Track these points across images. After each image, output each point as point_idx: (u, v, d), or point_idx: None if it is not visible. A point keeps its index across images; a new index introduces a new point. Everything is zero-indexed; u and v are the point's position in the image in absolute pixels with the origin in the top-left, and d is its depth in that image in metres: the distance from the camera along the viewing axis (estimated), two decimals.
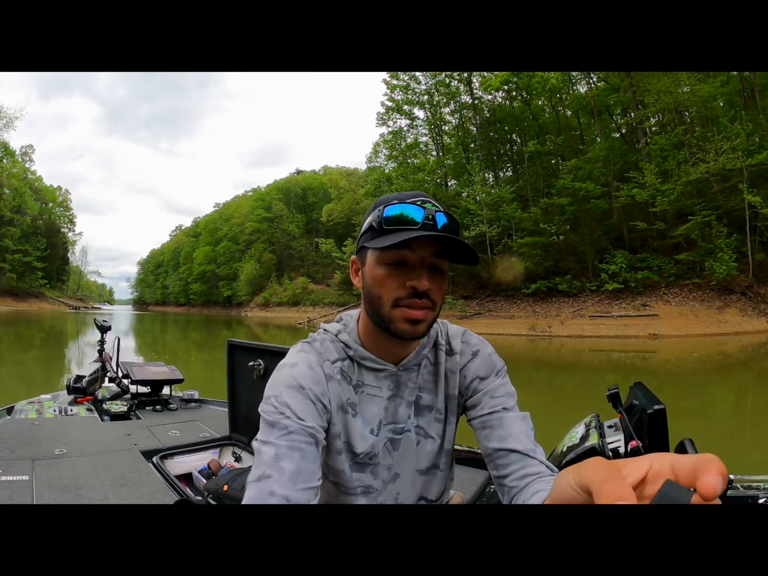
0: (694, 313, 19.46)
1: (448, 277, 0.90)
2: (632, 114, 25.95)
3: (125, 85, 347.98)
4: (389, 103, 34.54)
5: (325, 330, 0.98)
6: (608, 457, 1.48)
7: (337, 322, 1.00)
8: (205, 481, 2.42)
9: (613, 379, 9.48)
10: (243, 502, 0.73)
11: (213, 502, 2.16)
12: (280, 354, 2.46)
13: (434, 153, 35.56)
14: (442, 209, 0.86)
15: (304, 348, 0.93)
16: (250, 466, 2.58)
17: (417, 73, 31.96)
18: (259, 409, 0.83)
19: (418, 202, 0.84)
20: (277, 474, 0.73)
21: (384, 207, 0.84)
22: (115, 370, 4.09)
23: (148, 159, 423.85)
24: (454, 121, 34.51)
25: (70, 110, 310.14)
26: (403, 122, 35.34)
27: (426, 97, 33.70)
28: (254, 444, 0.80)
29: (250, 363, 2.64)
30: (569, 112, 30.89)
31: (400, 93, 34.02)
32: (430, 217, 0.82)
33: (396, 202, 0.85)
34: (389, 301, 0.84)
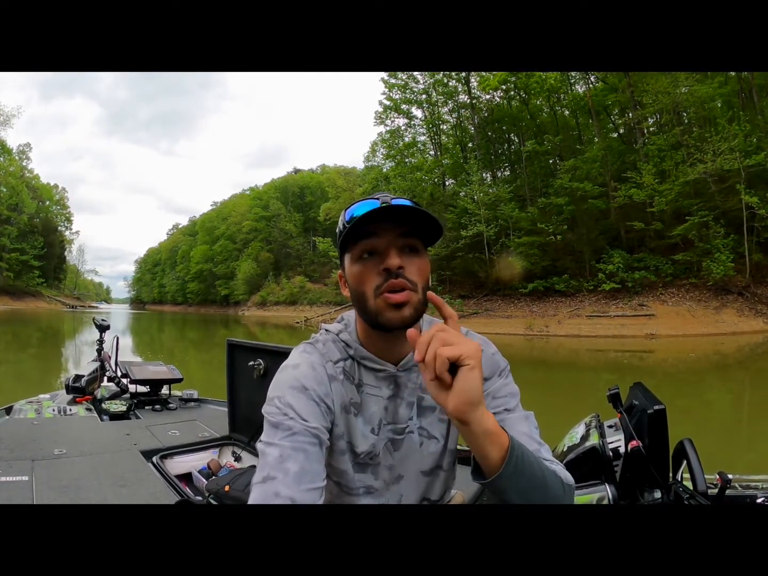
0: (691, 313, 19.49)
1: (428, 260, 0.91)
2: (630, 114, 25.95)
3: (126, 86, 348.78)
4: (387, 102, 34.51)
5: (326, 330, 0.99)
6: (608, 458, 1.49)
7: (339, 322, 1.01)
8: (204, 481, 2.42)
9: (610, 379, 9.52)
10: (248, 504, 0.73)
11: (214, 503, 2.16)
12: (280, 354, 2.47)
13: (432, 152, 35.53)
14: (402, 197, 0.89)
15: (306, 349, 0.94)
16: (251, 466, 2.57)
17: (415, 73, 31.95)
18: (263, 410, 0.83)
19: (375, 196, 0.89)
20: (282, 475, 0.73)
21: (344, 211, 0.90)
22: (114, 369, 4.08)
23: (147, 159, 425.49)
24: (452, 120, 34.51)
25: (71, 111, 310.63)
26: (401, 121, 35.32)
27: (424, 96, 33.68)
28: (258, 446, 0.80)
29: (250, 363, 2.63)
30: (567, 112, 30.91)
31: (398, 92, 33.99)
32: (386, 204, 0.85)
33: (355, 203, 0.90)
34: (371, 293, 0.85)
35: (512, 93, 31.00)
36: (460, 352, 0.67)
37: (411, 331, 0.72)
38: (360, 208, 0.87)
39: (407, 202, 0.87)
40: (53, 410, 3.33)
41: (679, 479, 1.43)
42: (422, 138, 35.84)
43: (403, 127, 35.43)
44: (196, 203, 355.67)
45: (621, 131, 28.95)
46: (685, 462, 1.40)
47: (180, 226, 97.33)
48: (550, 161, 29.15)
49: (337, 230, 0.93)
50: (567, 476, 0.82)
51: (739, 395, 8.99)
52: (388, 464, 0.95)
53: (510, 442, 0.70)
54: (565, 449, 1.66)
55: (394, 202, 0.86)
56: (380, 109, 35.08)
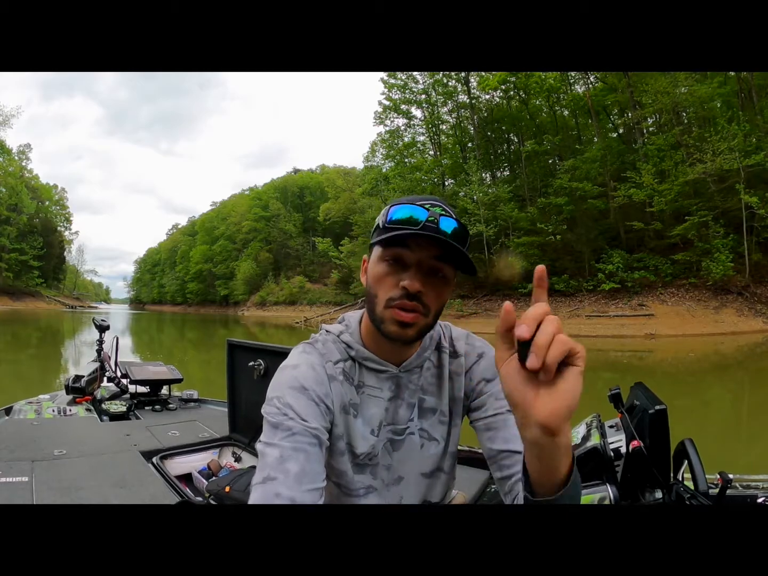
0: (691, 312, 19.51)
1: (453, 285, 0.88)
2: (630, 114, 25.99)
3: (127, 87, 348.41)
4: (387, 103, 34.59)
5: (327, 331, 0.98)
6: (610, 458, 1.49)
7: (339, 322, 1.00)
8: (205, 481, 2.42)
9: (610, 378, 9.52)
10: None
11: (214, 504, 2.16)
12: (281, 354, 2.47)
13: (431, 152, 35.59)
14: (451, 215, 0.84)
15: (306, 349, 0.93)
16: (252, 467, 2.58)
17: (415, 73, 31.99)
18: (262, 410, 0.83)
19: (426, 205, 0.83)
20: (282, 476, 0.73)
21: (391, 207, 0.85)
22: (113, 369, 4.07)
23: (148, 160, 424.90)
24: (451, 120, 34.55)
25: (71, 111, 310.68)
26: (401, 121, 35.45)
27: (423, 96, 33.73)
28: (258, 446, 0.80)
29: (250, 363, 2.63)
30: (567, 112, 30.96)
31: (398, 92, 34.07)
32: (433, 219, 0.81)
33: (405, 203, 0.85)
34: (382, 301, 0.84)
35: (512, 93, 31.04)
36: (580, 347, 0.54)
37: (508, 305, 0.57)
38: (405, 212, 0.83)
39: (455, 225, 0.82)
40: (53, 411, 3.32)
41: (680, 479, 1.43)
42: (422, 138, 36.01)
43: (402, 127, 35.60)
44: (196, 203, 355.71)
45: (620, 131, 29.01)
46: (686, 462, 1.40)
47: (179, 226, 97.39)
48: (550, 161, 29.23)
49: (376, 221, 0.89)
50: None
51: (739, 395, 9.00)
52: (386, 464, 0.95)
53: (572, 464, 0.62)
54: None
55: (443, 220, 0.81)
56: (380, 110, 35.18)
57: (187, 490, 2.30)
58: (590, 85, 28.75)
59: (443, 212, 0.83)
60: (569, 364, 0.54)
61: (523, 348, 0.54)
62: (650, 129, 26.65)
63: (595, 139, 27.64)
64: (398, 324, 0.83)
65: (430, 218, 0.81)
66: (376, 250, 0.87)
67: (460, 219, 0.85)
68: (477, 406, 0.95)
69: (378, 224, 0.88)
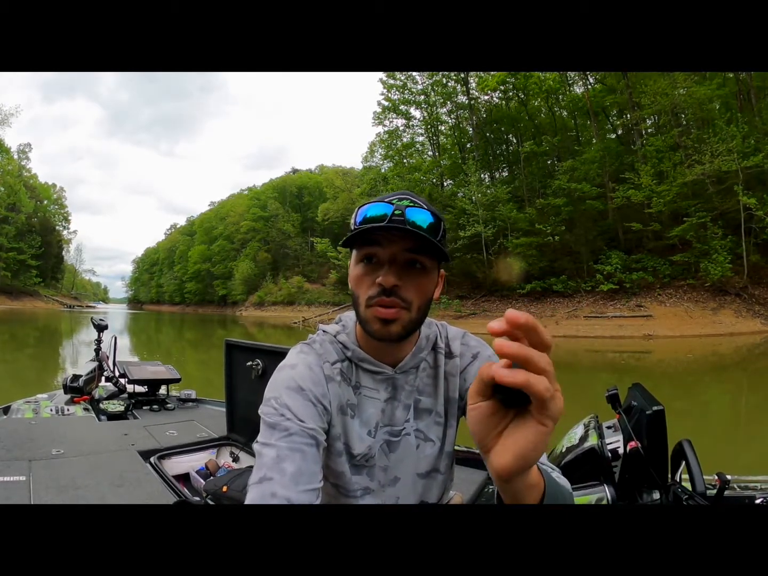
0: (689, 313, 19.53)
1: (437, 277, 0.89)
2: (628, 115, 26.05)
3: (128, 88, 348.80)
4: (386, 103, 34.54)
5: (324, 331, 0.98)
6: (607, 459, 1.49)
7: (336, 323, 1.00)
8: (202, 481, 2.42)
9: (608, 379, 9.52)
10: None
11: (212, 503, 2.16)
12: (278, 354, 2.47)
13: (430, 153, 35.58)
14: (421, 205, 0.84)
15: (303, 349, 0.93)
16: (249, 467, 2.58)
17: (414, 73, 32.00)
18: (260, 410, 0.83)
19: (394, 200, 0.84)
20: (279, 476, 0.73)
21: (360, 207, 0.86)
22: (111, 369, 4.06)
23: (148, 161, 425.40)
24: (450, 121, 34.52)
25: (72, 112, 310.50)
26: (400, 122, 35.39)
27: (422, 96, 33.71)
28: (255, 446, 0.80)
29: (248, 363, 2.63)
30: (565, 113, 31.01)
31: (397, 93, 34.04)
32: (400, 213, 0.81)
33: (373, 202, 0.85)
34: (363, 301, 0.85)
35: (510, 94, 31.08)
36: (555, 404, 0.51)
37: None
38: (373, 210, 0.83)
39: (423, 215, 0.82)
40: (51, 410, 3.32)
41: (678, 480, 1.43)
42: (420, 138, 35.97)
43: (401, 128, 35.52)
44: (195, 204, 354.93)
45: (619, 132, 29.02)
46: (683, 463, 1.40)
47: (178, 226, 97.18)
48: (549, 162, 29.25)
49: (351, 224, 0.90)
50: (568, 486, 0.81)
51: (737, 396, 9.00)
52: (383, 465, 0.95)
53: (545, 489, 0.62)
54: (563, 450, 1.67)
55: (409, 212, 0.81)
56: (379, 110, 35.15)
57: (185, 489, 2.30)
58: (589, 86, 28.78)
59: (411, 204, 0.84)
60: (540, 422, 0.50)
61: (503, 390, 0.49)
62: (649, 130, 26.67)
63: (594, 140, 27.64)
64: (380, 322, 0.83)
65: (396, 212, 0.81)
66: (354, 253, 0.88)
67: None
68: None
69: (350, 228, 0.88)
